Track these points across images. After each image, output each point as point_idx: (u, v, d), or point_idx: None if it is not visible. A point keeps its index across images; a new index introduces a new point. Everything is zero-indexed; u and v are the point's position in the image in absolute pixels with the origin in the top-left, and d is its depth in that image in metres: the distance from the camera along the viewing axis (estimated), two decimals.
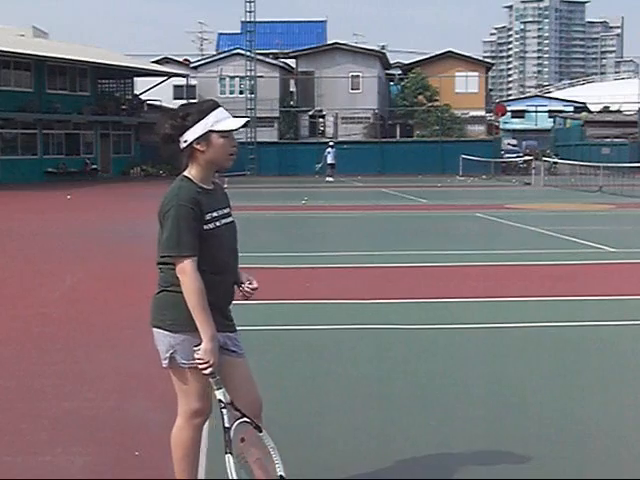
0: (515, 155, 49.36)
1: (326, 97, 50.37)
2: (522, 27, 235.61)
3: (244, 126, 3.58)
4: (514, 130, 64.63)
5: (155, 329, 3.56)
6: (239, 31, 57.27)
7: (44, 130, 41.64)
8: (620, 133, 54.65)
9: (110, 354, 6.84)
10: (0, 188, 32.38)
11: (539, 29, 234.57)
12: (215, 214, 3.48)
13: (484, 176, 42.91)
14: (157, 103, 50.39)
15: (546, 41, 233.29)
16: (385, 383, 6.00)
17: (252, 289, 3.67)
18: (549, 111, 67.25)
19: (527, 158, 44.29)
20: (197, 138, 3.43)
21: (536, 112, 67.41)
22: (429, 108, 51.95)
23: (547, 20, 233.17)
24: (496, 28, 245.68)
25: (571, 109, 68.46)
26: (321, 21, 64.12)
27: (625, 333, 7.67)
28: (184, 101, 44.52)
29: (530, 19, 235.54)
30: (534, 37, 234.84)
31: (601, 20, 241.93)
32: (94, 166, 43.90)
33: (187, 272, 3.35)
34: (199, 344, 3.38)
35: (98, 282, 10.78)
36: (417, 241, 15.27)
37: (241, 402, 3.53)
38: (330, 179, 39.80)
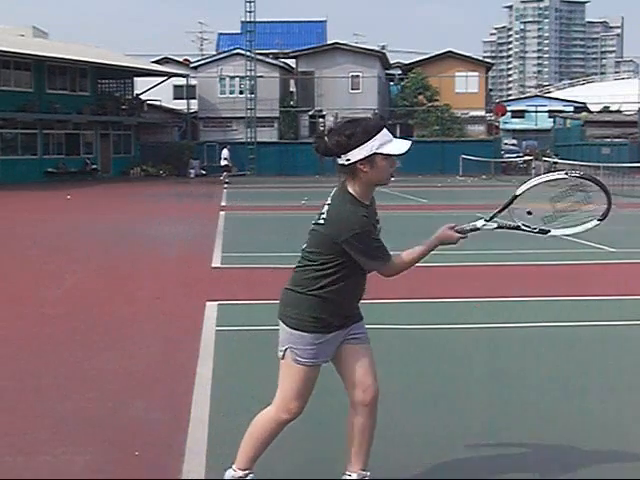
0: (515, 155, 49.35)
1: (326, 97, 50.35)
2: (522, 27, 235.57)
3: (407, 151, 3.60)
4: (514, 130, 64.58)
5: (279, 321, 3.70)
6: (239, 31, 57.24)
7: (44, 130, 41.64)
8: (620, 133, 54.62)
9: (110, 354, 6.83)
10: (0, 188, 32.37)
11: (539, 29, 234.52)
12: (376, 230, 3.62)
13: (484, 176, 42.90)
14: (157, 103, 50.45)
15: (546, 41, 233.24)
16: (385, 383, 5.99)
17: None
18: (549, 111, 67.20)
19: (527, 158, 44.30)
20: (361, 159, 3.47)
21: (536, 112, 67.37)
22: (429, 108, 51.93)
23: (547, 20, 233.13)
24: (496, 28, 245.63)
25: (571, 109, 68.41)
26: (321, 21, 64.09)
27: (625, 333, 7.67)
28: (184, 101, 44.10)
29: (530, 19, 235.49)
30: (534, 37, 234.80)
31: (601, 20, 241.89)
32: (94, 166, 43.91)
33: (392, 272, 3.73)
34: (353, 335, 3.72)
35: (98, 282, 10.78)
36: (417, 241, 15.24)
37: (352, 388, 3.73)
38: None
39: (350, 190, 3.56)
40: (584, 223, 3.81)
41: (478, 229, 3.80)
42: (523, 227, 3.85)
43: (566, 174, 3.83)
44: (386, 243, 3.70)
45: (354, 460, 3.83)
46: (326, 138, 3.51)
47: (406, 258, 3.68)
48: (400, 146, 3.53)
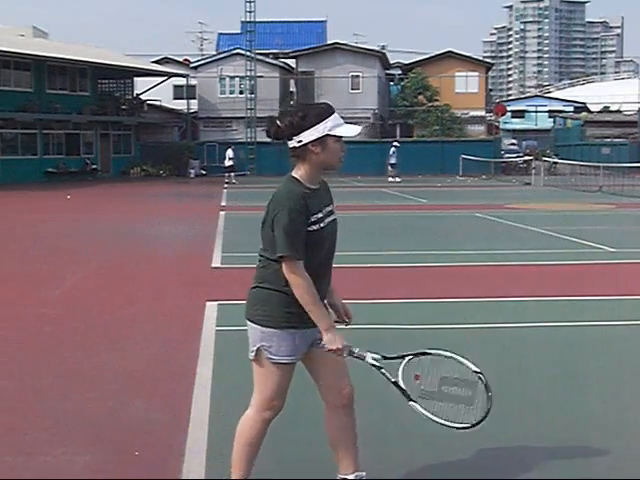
0: (515, 155, 49.34)
1: (326, 97, 50.22)
2: (522, 27, 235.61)
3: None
4: (514, 130, 64.58)
5: (248, 322, 3.67)
6: (239, 31, 57.23)
7: (44, 130, 41.63)
8: (620, 133, 54.63)
9: (110, 354, 6.83)
10: (0, 188, 32.37)
11: (539, 29, 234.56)
12: (320, 214, 3.57)
13: (484, 176, 42.90)
14: (157, 103, 50.45)
15: (546, 41, 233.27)
16: (384, 383, 5.99)
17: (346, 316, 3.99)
18: (549, 111, 67.21)
19: (527, 158, 44.27)
20: (313, 140, 3.50)
21: (536, 112, 67.38)
22: (429, 108, 51.91)
23: (547, 20, 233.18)
24: (496, 28, 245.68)
25: (571, 109, 68.43)
26: (321, 21, 64.08)
27: (625, 333, 7.67)
28: (184, 101, 44.13)
29: (530, 19, 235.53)
30: (534, 37, 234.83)
31: (601, 20, 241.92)
32: (94, 166, 43.90)
33: (298, 273, 3.48)
34: (320, 340, 3.58)
35: (98, 282, 10.78)
36: (417, 241, 15.26)
37: (328, 392, 3.73)
38: (396, 179, 38.73)
39: (294, 174, 3.59)
40: (452, 421, 3.69)
41: (363, 358, 3.68)
42: (399, 384, 3.73)
43: (477, 373, 3.70)
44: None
45: (346, 463, 3.82)
46: (278, 121, 3.56)
47: (304, 288, 3.49)
48: (351, 129, 3.56)
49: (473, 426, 3.65)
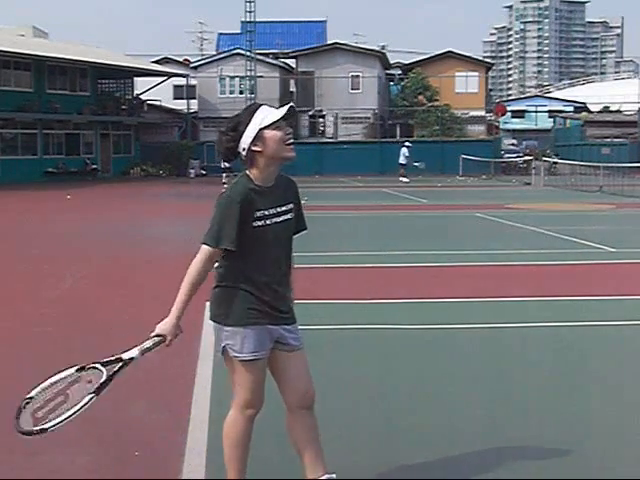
0: (515, 155, 49.34)
1: (326, 97, 50.35)
2: (522, 27, 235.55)
3: (292, 113, 3.56)
4: (514, 130, 64.60)
5: (212, 322, 3.71)
6: (239, 31, 57.25)
7: (44, 130, 41.64)
8: (620, 133, 54.62)
9: (110, 354, 6.82)
10: (0, 188, 32.36)
11: (539, 29, 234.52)
12: (267, 212, 3.57)
13: (484, 176, 42.90)
14: (157, 103, 50.45)
15: (546, 41, 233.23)
16: (385, 383, 6.00)
17: None
18: (549, 111, 67.22)
19: (527, 158, 44.28)
20: (252, 140, 3.52)
21: (536, 112, 67.39)
22: (429, 108, 51.91)
23: (547, 20, 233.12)
24: (496, 28, 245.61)
25: (571, 109, 68.44)
26: (321, 21, 64.12)
27: (625, 333, 7.67)
28: (184, 101, 44.13)
29: (530, 19, 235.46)
30: (534, 37, 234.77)
31: (601, 20, 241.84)
32: (94, 166, 43.91)
33: (198, 256, 3.55)
34: (285, 342, 3.66)
35: (98, 282, 10.78)
36: (417, 241, 15.26)
37: (291, 395, 3.71)
38: (405, 179, 38.73)
39: (247, 172, 3.62)
40: (77, 403, 3.65)
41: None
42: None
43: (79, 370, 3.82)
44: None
45: (314, 466, 3.78)
46: (219, 145, 3.62)
47: (195, 271, 3.57)
48: (280, 111, 3.54)
49: (100, 389, 3.74)
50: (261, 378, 3.70)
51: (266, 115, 3.53)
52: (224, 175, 37.26)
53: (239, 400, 3.72)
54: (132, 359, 3.71)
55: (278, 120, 3.52)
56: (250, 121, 3.52)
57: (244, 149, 3.55)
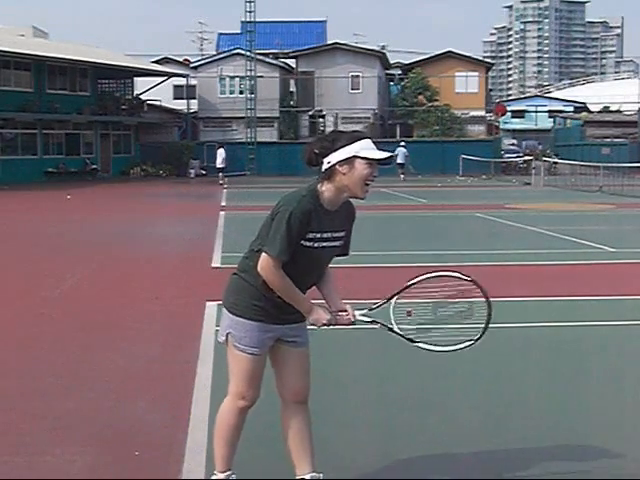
0: (515, 155, 49.32)
1: (326, 97, 50.32)
2: (522, 27, 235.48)
3: (387, 161, 3.63)
4: (514, 130, 64.57)
5: (223, 308, 3.79)
6: (239, 31, 57.23)
7: (44, 130, 41.62)
8: (620, 133, 54.62)
9: (110, 354, 6.83)
10: (0, 188, 32.36)
11: (539, 29, 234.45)
12: (320, 235, 3.62)
13: (484, 176, 42.89)
14: (157, 103, 50.43)
15: (546, 41, 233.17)
16: (385, 383, 6.00)
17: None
18: (549, 111, 67.19)
19: (527, 158, 44.27)
20: (341, 160, 3.56)
21: (536, 112, 67.37)
22: (429, 108, 51.89)
23: (547, 20, 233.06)
24: (496, 28, 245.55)
25: (571, 109, 68.40)
26: (321, 21, 64.07)
27: (625, 333, 7.67)
28: (184, 101, 43.79)
29: (530, 19, 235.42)
30: (534, 37, 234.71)
31: (601, 20, 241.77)
32: (94, 166, 43.89)
33: (268, 270, 3.56)
34: (292, 341, 3.75)
35: (98, 282, 10.78)
36: (417, 241, 15.26)
37: (286, 389, 3.79)
38: (404, 177, 39.32)
39: (318, 187, 3.64)
40: (456, 344, 3.80)
41: (353, 322, 3.76)
42: (395, 330, 3.82)
43: (467, 278, 3.77)
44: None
45: (303, 464, 3.82)
46: (313, 147, 3.65)
47: (282, 282, 3.58)
48: (380, 153, 3.61)
49: (479, 338, 3.79)
50: (257, 373, 3.75)
51: (366, 148, 3.58)
52: (220, 175, 37.18)
53: (234, 390, 3.79)
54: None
55: (374, 160, 3.59)
56: (350, 143, 3.57)
57: (329, 162, 3.58)
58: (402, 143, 41.96)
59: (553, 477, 4.24)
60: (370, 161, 3.58)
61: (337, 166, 3.57)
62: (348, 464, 4.38)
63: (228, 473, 3.86)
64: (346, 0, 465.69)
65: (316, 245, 3.61)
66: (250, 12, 49.29)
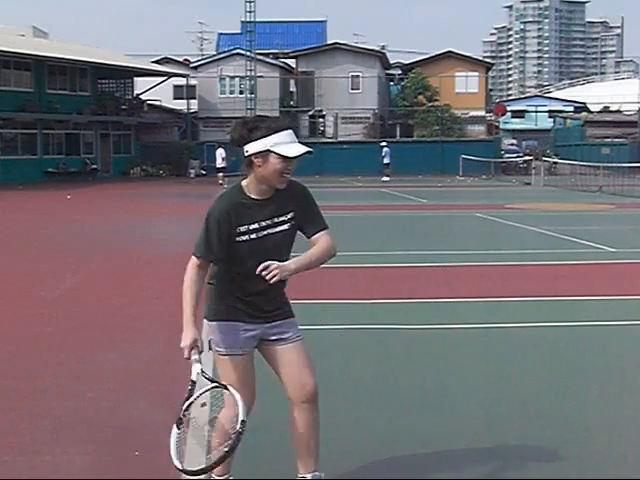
0: (515, 155, 49.33)
1: (326, 97, 50.34)
2: (522, 27, 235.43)
3: (303, 155, 3.57)
4: (514, 130, 64.55)
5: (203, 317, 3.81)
6: (239, 31, 57.24)
7: (44, 130, 41.64)
8: (620, 133, 54.60)
9: (110, 354, 6.83)
10: (0, 188, 32.36)
11: (539, 29, 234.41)
12: (254, 226, 3.60)
13: (484, 176, 42.90)
14: (157, 103, 50.43)
15: (546, 41, 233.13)
16: (385, 383, 6.00)
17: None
18: (549, 111, 67.17)
19: (527, 158, 44.28)
20: (255, 153, 3.55)
21: (536, 112, 67.34)
22: (429, 108, 51.90)
23: (547, 20, 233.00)
24: (496, 28, 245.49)
25: (571, 109, 68.39)
26: (321, 21, 64.08)
27: (625, 333, 7.67)
28: (184, 101, 43.52)
29: (530, 19, 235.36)
30: (534, 37, 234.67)
31: (601, 20, 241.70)
32: (94, 166, 43.90)
33: (189, 268, 3.66)
34: (278, 339, 3.72)
35: (98, 282, 10.78)
36: (417, 241, 15.26)
37: (289, 388, 3.76)
38: (385, 178, 39.53)
39: (243, 182, 3.67)
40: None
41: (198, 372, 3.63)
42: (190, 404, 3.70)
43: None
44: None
45: (305, 463, 3.81)
46: (232, 131, 3.65)
47: (187, 284, 3.62)
48: (295, 149, 3.53)
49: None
50: (244, 376, 3.71)
51: (281, 143, 3.52)
52: (220, 175, 37.08)
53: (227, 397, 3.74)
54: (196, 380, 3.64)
55: (288, 157, 3.53)
56: (267, 135, 3.52)
57: (247, 152, 3.58)
58: (384, 143, 41.98)
59: (553, 477, 4.24)
60: (283, 157, 3.53)
61: (252, 157, 3.56)
62: (346, 464, 4.38)
63: (226, 476, 3.88)
64: (346, 0, 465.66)
65: (253, 236, 3.59)
66: (250, 12, 49.32)
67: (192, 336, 3.55)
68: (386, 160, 40.42)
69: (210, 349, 3.75)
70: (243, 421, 3.36)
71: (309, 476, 3.80)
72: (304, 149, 3.54)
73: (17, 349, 7.09)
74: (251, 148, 3.55)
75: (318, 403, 3.79)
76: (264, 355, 3.79)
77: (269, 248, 3.62)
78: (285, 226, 3.66)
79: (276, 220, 3.64)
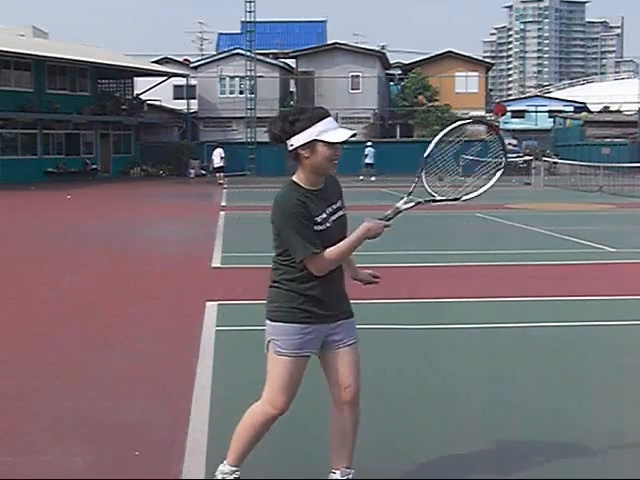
0: (515, 155, 49.31)
1: (326, 97, 50.28)
2: (522, 27, 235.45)
3: (351, 137, 3.62)
4: (514, 130, 64.53)
5: (266, 319, 3.79)
6: (239, 31, 57.19)
7: (44, 130, 41.62)
8: (620, 133, 54.59)
9: (110, 354, 6.83)
10: (0, 188, 32.37)
11: (539, 29, 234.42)
12: (324, 214, 3.63)
13: (484, 176, 42.85)
14: (157, 103, 50.43)
15: (546, 41, 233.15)
16: (385, 383, 6.00)
17: (374, 276, 4.06)
18: (549, 111, 67.14)
19: (527, 158, 44.25)
20: (302, 145, 3.55)
21: (536, 112, 67.32)
22: (429, 108, 51.90)
23: (547, 20, 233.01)
24: (496, 28, 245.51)
25: (571, 109, 68.36)
26: (321, 21, 64.06)
27: (625, 333, 7.67)
28: (184, 101, 43.49)
29: (530, 19, 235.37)
30: (534, 37, 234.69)
31: (601, 20, 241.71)
32: (94, 166, 43.88)
33: (319, 267, 3.59)
34: (337, 341, 3.76)
35: (98, 282, 10.78)
36: (417, 241, 15.25)
37: (334, 388, 3.80)
38: (363, 177, 39.49)
39: (294, 178, 3.67)
40: (491, 178, 4.04)
41: (400, 211, 3.82)
42: (438, 198, 3.93)
43: (463, 124, 3.94)
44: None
45: (338, 458, 3.89)
46: (272, 127, 3.64)
47: (331, 254, 3.60)
48: (340, 134, 3.58)
49: (506, 164, 4.01)
50: (294, 378, 3.73)
51: (326, 130, 3.55)
52: (219, 175, 37.03)
53: (268, 396, 3.77)
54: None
55: (335, 143, 3.56)
56: (310, 126, 3.54)
57: (292, 145, 3.58)
58: (369, 143, 41.95)
59: (553, 477, 4.24)
60: (331, 143, 3.56)
61: (299, 150, 3.56)
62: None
63: (234, 469, 3.88)
64: (346, 0, 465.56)
65: (328, 225, 3.63)
66: (250, 12, 49.27)
67: (373, 223, 3.61)
68: (368, 160, 40.39)
69: (267, 349, 3.75)
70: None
71: (337, 473, 3.87)
72: (350, 132, 3.61)
73: (17, 349, 7.09)
74: (297, 141, 3.55)
75: (359, 405, 3.86)
76: (321, 354, 3.80)
77: (338, 235, 3.67)
78: (341, 212, 3.75)
79: (334, 207, 3.70)
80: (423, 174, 3.91)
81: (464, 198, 3.96)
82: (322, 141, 3.54)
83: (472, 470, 4.34)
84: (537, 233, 16.18)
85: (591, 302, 9.10)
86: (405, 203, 3.81)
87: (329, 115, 3.61)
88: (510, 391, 5.81)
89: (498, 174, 4.02)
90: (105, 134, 45.96)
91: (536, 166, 39.01)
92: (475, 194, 3.98)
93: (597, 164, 34.66)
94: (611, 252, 13.26)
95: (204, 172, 45.84)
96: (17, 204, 26.64)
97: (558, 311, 8.67)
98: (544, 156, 45.50)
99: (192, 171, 45.99)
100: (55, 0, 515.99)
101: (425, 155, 3.88)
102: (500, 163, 3.97)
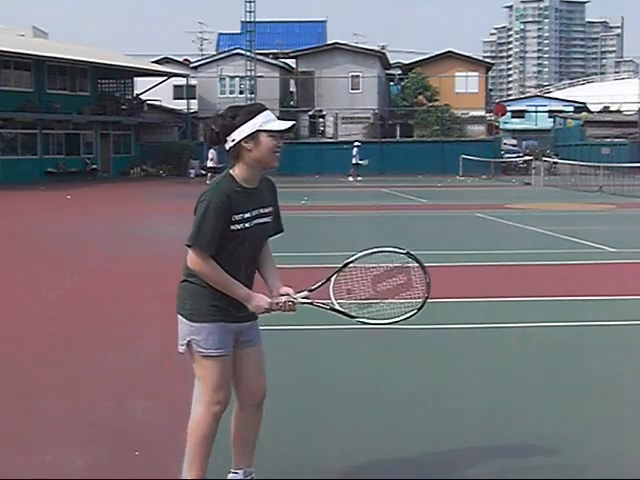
0: (515, 155, 49.33)
1: (326, 97, 50.33)
2: (522, 27, 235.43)
3: (291, 130, 3.65)
4: (514, 130, 64.59)
5: (178, 315, 3.71)
6: (239, 31, 57.23)
7: (44, 130, 41.63)
8: (620, 133, 54.61)
9: (110, 354, 6.83)
10: (0, 188, 32.37)
11: (539, 29, 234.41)
12: (247, 215, 3.60)
13: (484, 176, 42.89)
14: (157, 103, 50.44)
15: (546, 41, 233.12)
16: (385, 383, 6.00)
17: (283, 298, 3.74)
18: (549, 111, 67.21)
19: (527, 158, 44.27)
20: (245, 137, 3.56)
21: (536, 112, 67.37)
22: (429, 108, 51.91)
23: (547, 20, 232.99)
24: (496, 28, 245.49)
25: (571, 109, 68.44)
26: (321, 21, 64.10)
27: (625, 333, 7.67)
28: (184, 101, 43.36)
29: (530, 19, 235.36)
30: (534, 37, 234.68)
31: (601, 20, 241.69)
32: (94, 166, 43.90)
33: (200, 263, 3.53)
34: (247, 340, 3.71)
35: (98, 282, 10.78)
36: (417, 241, 15.25)
37: (244, 391, 3.78)
38: (353, 178, 39.51)
39: (231, 171, 3.64)
40: (398, 316, 3.86)
41: (293, 309, 3.70)
42: (336, 308, 3.78)
43: (404, 253, 3.78)
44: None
45: (240, 458, 3.88)
46: (212, 125, 3.62)
47: (213, 271, 3.54)
48: (282, 124, 3.61)
49: (421, 308, 3.82)
50: (227, 375, 3.72)
51: (268, 121, 3.58)
52: (208, 175, 36.85)
53: (206, 397, 3.72)
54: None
55: (278, 131, 3.58)
56: (251, 119, 3.56)
57: (233, 140, 3.57)
58: (357, 143, 41.74)
59: (553, 477, 4.24)
60: (274, 133, 3.58)
61: (242, 143, 3.56)
62: (347, 464, 4.37)
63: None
64: (346, 0, 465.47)
65: (247, 225, 3.59)
66: (250, 12, 49.29)
67: (264, 299, 3.61)
68: (355, 160, 40.14)
69: (187, 350, 3.68)
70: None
71: (240, 473, 3.85)
72: (290, 122, 3.63)
73: (17, 349, 7.09)
74: (239, 134, 3.56)
75: (263, 405, 3.87)
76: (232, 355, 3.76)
77: (254, 240, 3.66)
78: (267, 218, 3.73)
79: (262, 211, 3.68)
80: (333, 278, 3.78)
81: (361, 319, 3.83)
82: (265, 131, 3.55)
83: (472, 470, 4.34)
84: (537, 233, 16.18)
85: (591, 302, 9.10)
86: (303, 298, 3.73)
87: (267, 109, 3.64)
88: (510, 391, 5.81)
89: (406, 316, 3.86)
90: (105, 134, 45.98)
91: (536, 166, 39.01)
92: (371, 322, 3.88)
93: (597, 164, 34.67)
94: (611, 252, 13.26)
95: (204, 172, 45.80)
96: (17, 204, 26.63)
97: (558, 311, 8.67)
98: (544, 156, 45.52)
99: (192, 171, 45.97)
100: (55, 0, 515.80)
101: (347, 261, 3.76)
102: (417, 305, 3.81)
